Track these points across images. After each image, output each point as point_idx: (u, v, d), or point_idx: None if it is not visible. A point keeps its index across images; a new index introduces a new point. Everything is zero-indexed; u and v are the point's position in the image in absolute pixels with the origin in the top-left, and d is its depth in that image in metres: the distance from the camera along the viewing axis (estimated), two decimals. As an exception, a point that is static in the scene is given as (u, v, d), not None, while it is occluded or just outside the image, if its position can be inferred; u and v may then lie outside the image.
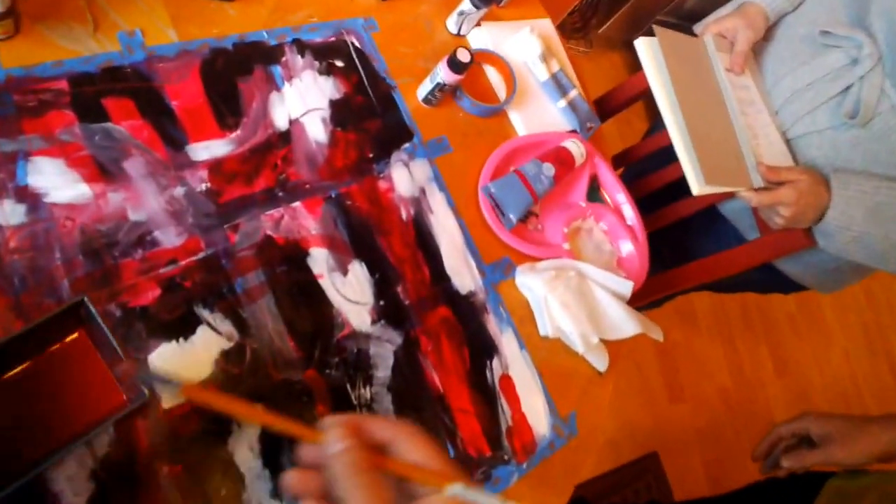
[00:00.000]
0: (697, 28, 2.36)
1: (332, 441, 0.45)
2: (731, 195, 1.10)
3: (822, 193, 1.01)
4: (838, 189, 1.01)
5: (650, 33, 1.05)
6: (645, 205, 1.19)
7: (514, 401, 0.92)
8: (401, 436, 0.47)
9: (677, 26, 2.46)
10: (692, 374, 2.43)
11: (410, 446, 0.46)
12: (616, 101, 1.36)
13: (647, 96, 1.31)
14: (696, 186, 0.98)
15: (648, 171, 1.39)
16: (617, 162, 1.43)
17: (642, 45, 1.04)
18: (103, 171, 0.77)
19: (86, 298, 0.62)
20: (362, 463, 0.44)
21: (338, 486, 0.43)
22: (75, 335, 0.68)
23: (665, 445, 2.20)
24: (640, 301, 1.11)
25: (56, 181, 0.74)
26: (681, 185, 1.31)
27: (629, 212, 1.14)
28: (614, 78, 2.75)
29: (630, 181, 1.23)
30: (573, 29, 2.52)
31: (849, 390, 2.89)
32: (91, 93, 0.80)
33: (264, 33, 0.95)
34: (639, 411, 2.20)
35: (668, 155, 1.39)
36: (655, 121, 1.63)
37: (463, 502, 0.43)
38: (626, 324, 0.99)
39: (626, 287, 1.02)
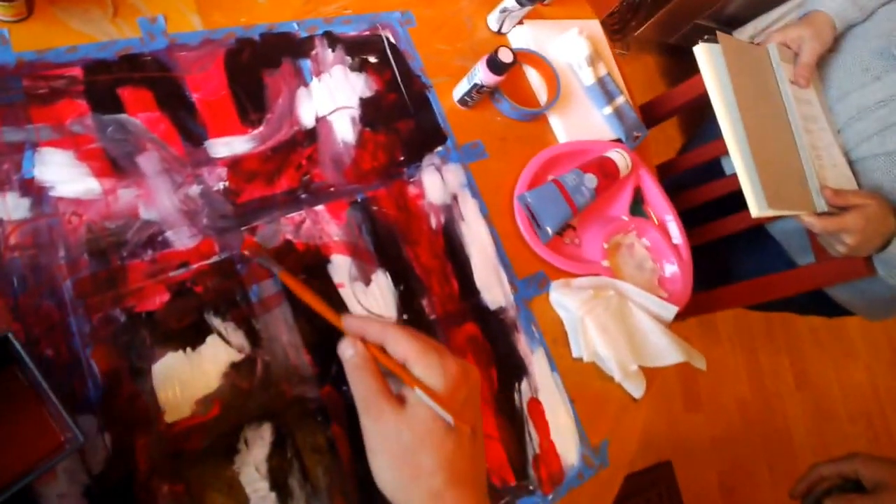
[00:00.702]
0: (739, 34, 2.29)
1: (341, 348, 0.60)
2: (787, 216, 1.02)
3: (889, 221, 0.93)
4: None
5: (691, 37, 0.98)
6: (685, 219, 1.11)
7: (543, 427, 0.85)
8: (388, 334, 0.59)
9: (716, 31, 2.39)
10: (710, 384, 2.38)
11: (396, 344, 0.58)
12: (664, 109, 1.28)
13: (693, 105, 1.24)
14: (757, 209, 0.90)
15: (690, 185, 1.31)
16: (659, 173, 1.36)
17: (703, 52, 0.96)
18: (115, 165, 0.72)
19: (10, 335, 0.55)
20: (362, 363, 0.58)
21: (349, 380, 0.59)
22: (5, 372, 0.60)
23: (679, 454, 2.17)
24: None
25: (64, 174, 0.69)
26: (726, 201, 1.23)
27: (674, 229, 1.07)
28: (649, 82, 2.68)
29: (671, 194, 1.15)
30: (611, 30, 2.46)
31: (871, 408, 2.81)
32: (106, 81, 0.75)
33: (294, 24, 0.90)
34: (654, 418, 2.16)
35: (713, 170, 1.32)
36: (698, 131, 1.55)
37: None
38: (668, 351, 0.92)
39: (670, 312, 0.95)
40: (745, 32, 2.27)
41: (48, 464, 0.55)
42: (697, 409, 2.30)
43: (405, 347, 0.58)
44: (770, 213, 0.91)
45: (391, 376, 0.59)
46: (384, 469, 0.57)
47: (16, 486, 0.52)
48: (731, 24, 2.36)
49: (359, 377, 0.58)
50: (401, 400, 0.57)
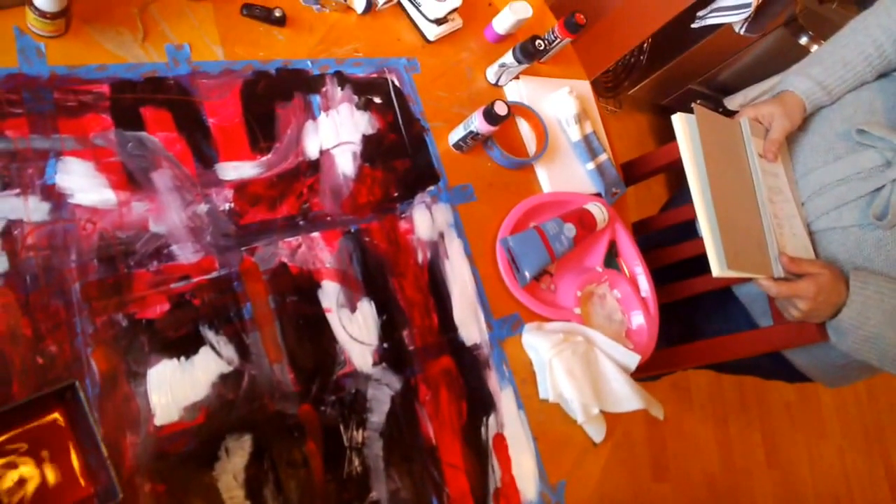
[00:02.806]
0: (729, 102, 2.39)
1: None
2: (747, 279, 1.09)
3: (841, 290, 1.00)
4: (857, 288, 1.00)
5: (683, 100, 1.05)
6: (657, 277, 1.18)
7: (506, 461, 0.90)
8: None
9: (708, 97, 2.49)
10: (680, 453, 2.36)
11: None
12: (643, 169, 1.36)
13: (674, 168, 1.32)
14: (717, 269, 0.97)
15: (665, 244, 1.38)
16: (636, 229, 1.43)
17: (679, 121, 1.04)
18: (131, 179, 0.77)
19: (77, 384, 0.60)
20: None
21: None
22: (54, 415, 0.64)
23: None
24: (639, 373, 1.09)
25: (83, 183, 0.75)
26: (696, 262, 1.30)
27: (644, 283, 1.14)
28: (639, 139, 2.75)
29: (645, 251, 1.22)
30: (605, 88, 2.54)
31: (840, 491, 2.79)
32: (131, 100, 0.80)
33: (308, 62, 0.96)
34: (619, 485, 2.13)
35: (687, 231, 1.39)
36: (676, 193, 1.63)
37: None
38: (628, 398, 0.98)
39: (633, 360, 1.01)
40: (734, 101, 2.38)
41: None
42: (664, 479, 2.27)
43: None
44: (730, 273, 0.97)
45: None
46: None
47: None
48: (723, 90, 2.45)
49: None
50: None
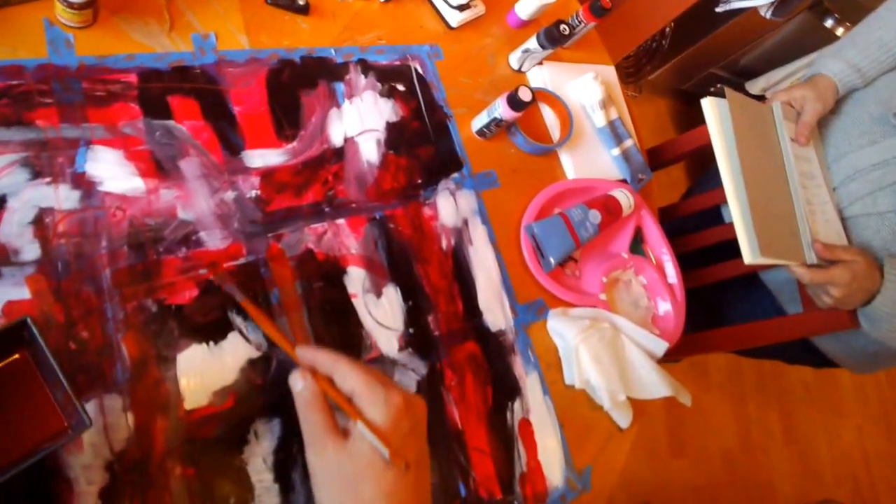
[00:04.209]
0: (751, 86, 2.36)
1: (292, 380, 0.63)
2: (779, 265, 1.08)
3: (875, 277, 0.99)
4: (891, 275, 0.99)
5: (703, 84, 1.04)
6: (683, 262, 1.17)
7: (532, 447, 0.90)
8: (338, 367, 0.62)
9: (730, 81, 2.45)
10: (697, 431, 2.37)
11: (343, 377, 0.61)
12: (669, 155, 1.35)
13: (699, 153, 1.30)
14: (750, 256, 0.96)
15: (690, 230, 1.37)
16: (661, 216, 1.42)
17: (710, 105, 1.02)
18: (159, 167, 0.78)
19: (28, 319, 0.59)
20: (310, 398, 0.61)
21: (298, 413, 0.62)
22: (15, 356, 0.64)
23: (660, 499, 2.15)
24: (663, 357, 1.09)
25: (113, 171, 0.75)
26: (721, 248, 1.29)
27: (671, 269, 1.13)
28: (659, 124, 2.73)
29: (670, 237, 1.21)
30: (625, 73, 2.53)
31: (858, 470, 2.77)
32: (158, 89, 0.81)
33: (332, 50, 0.97)
34: (638, 461, 2.15)
35: (713, 216, 1.38)
36: (701, 178, 1.61)
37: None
38: (656, 384, 0.98)
39: (661, 347, 1.00)
40: (757, 85, 2.35)
41: (49, 447, 0.58)
42: (682, 456, 2.30)
43: (352, 380, 0.60)
44: (762, 261, 0.96)
45: (339, 410, 0.61)
46: (327, 499, 0.59)
47: (14, 469, 0.55)
48: (745, 74, 2.43)
49: (306, 412, 0.61)
50: (346, 433, 0.60)
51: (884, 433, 2.92)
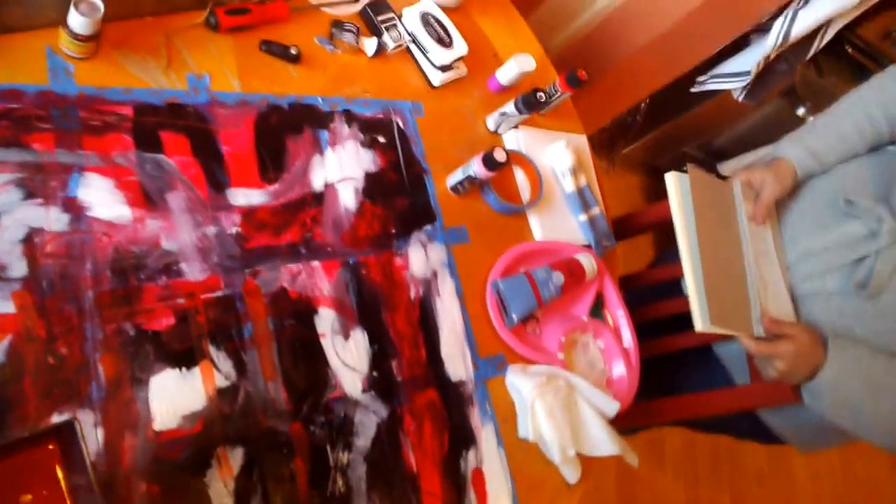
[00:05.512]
0: (722, 168, 2.49)
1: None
2: (729, 338, 1.18)
3: (819, 353, 1.07)
4: (834, 353, 1.07)
5: (676, 162, 1.14)
6: (640, 332, 1.26)
7: (482, 496, 0.98)
8: None
9: (702, 161, 2.60)
10: None
11: None
12: (634, 225, 1.46)
13: (663, 226, 1.42)
14: (700, 324, 1.05)
15: (650, 300, 1.47)
16: (623, 284, 1.52)
17: (672, 180, 1.12)
18: (147, 198, 0.86)
19: (76, 420, 0.66)
20: None
21: None
22: (48, 447, 0.69)
23: None
24: (616, 425, 1.17)
25: (103, 198, 0.83)
26: (680, 319, 1.39)
27: (627, 335, 1.23)
28: (629, 199, 2.86)
29: (631, 305, 1.31)
30: (600, 146, 2.66)
31: None
32: (152, 123, 0.90)
33: (319, 99, 1.07)
34: None
35: (673, 288, 1.48)
36: (665, 250, 1.73)
37: None
38: (605, 442, 1.06)
39: (613, 408, 1.09)
40: (728, 167, 2.49)
41: None
42: None
43: None
44: (712, 329, 1.06)
45: None
46: None
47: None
48: (718, 156, 2.56)
49: None
50: None
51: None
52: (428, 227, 1.10)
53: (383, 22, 1.19)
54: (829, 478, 3.09)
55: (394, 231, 1.06)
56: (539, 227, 1.23)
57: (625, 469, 1.25)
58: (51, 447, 0.69)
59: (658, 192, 2.88)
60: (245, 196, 0.94)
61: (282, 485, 0.83)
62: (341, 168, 1.04)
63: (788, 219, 1.27)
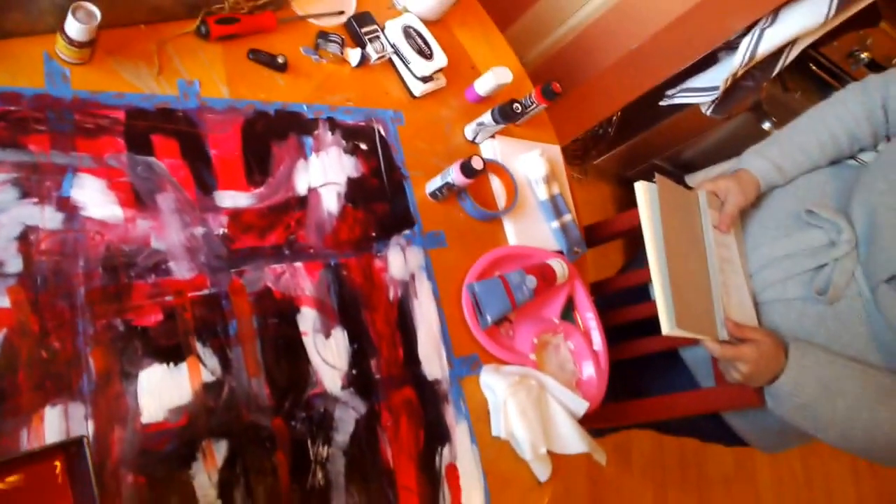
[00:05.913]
0: (689, 179, 2.56)
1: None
2: (695, 342, 1.22)
3: (780, 358, 1.12)
4: (795, 357, 1.12)
5: (646, 174, 1.19)
6: (610, 335, 1.31)
7: (456, 491, 1.02)
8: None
9: (671, 173, 2.67)
10: None
11: None
12: (604, 232, 1.52)
13: (633, 234, 1.47)
14: (667, 327, 1.10)
15: (620, 305, 1.53)
16: (593, 289, 1.57)
17: (641, 189, 1.18)
18: (138, 198, 0.90)
19: (85, 439, 0.70)
20: None
21: None
22: (54, 462, 0.73)
23: None
24: (585, 425, 1.21)
25: (95, 199, 0.87)
26: (648, 324, 1.44)
27: (597, 337, 1.28)
28: (601, 207, 2.93)
29: (601, 310, 1.35)
30: (573, 156, 2.73)
31: None
32: (143, 127, 0.93)
33: (304, 106, 1.11)
34: None
35: (642, 293, 1.53)
36: (634, 258, 1.79)
37: None
38: (574, 441, 1.11)
39: (582, 407, 1.14)
40: (695, 178, 2.56)
41: None
42: None
43: None
44: (678, 332, 1.10)
45: None
46: None
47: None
48: (686, 168, 2.63)
49: None
50: None
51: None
52: (407, 232, 1.14)
53: (367, 34, 1.23)
54: (791, 482, 3.17)
55: (374, 235, 1.10)
56: (513, 233, 1.28)
57: (595, 472, 1.29)
58: (57, 463, 0.73)
59: (628, 202, 2.94)
60: (232, 198, 0.97)
61: (264, 477, 0.86)
62: (325, 173, 1.08)
63: (752, 228, 1.32)
